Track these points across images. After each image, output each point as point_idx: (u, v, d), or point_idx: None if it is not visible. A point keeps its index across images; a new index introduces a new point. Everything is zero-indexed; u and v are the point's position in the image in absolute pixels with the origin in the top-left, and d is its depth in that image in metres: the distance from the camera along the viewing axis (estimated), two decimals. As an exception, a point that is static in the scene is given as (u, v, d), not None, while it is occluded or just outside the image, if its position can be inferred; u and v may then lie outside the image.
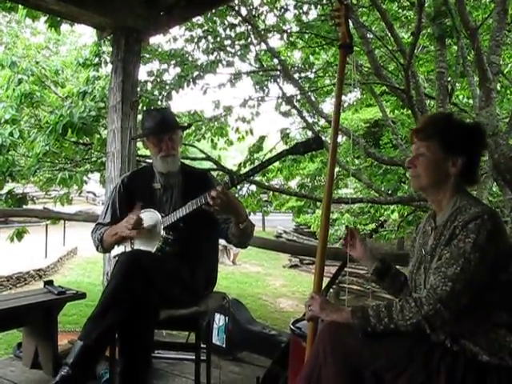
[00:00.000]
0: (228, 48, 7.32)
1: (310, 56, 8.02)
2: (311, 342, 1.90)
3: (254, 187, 7.78)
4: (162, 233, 2.57)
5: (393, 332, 1.67)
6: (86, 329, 2.23)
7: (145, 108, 5.96)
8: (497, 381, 1.58)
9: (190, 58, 7.32)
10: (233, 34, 7.13)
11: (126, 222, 2.59)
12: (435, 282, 1.64)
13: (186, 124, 3.93)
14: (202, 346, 2.77)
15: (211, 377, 3.03)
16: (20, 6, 4.60)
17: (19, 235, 6.38)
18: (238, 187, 7.71)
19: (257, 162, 6.56)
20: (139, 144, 4.21)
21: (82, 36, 18.04)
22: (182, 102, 8.63)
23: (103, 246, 2.78)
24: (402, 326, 1.64)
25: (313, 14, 7.44)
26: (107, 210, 2.87)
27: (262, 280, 13.12)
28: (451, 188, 1.79)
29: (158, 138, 2.71)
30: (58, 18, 4.64)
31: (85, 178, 6.54)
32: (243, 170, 6.88)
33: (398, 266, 2.15)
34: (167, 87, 7.07)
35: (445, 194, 1.80)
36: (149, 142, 2.78)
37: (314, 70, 8.28)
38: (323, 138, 6.25)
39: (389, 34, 5.87)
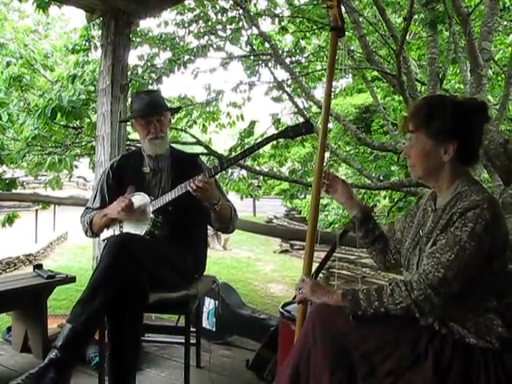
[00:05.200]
0: (219, 32, 7.27)
1: (301, 41, 7.98)
2: (301, 325, 1.90)
3: (245, 172, 7.77)
4: (151, 216, 2.58)
5: (383, 315, 1.67)
6: (74, 312, 2.23)
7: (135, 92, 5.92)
8: (483, 363, 1.59)
9: (182, 43, 7.26)
10: (224, 19, 7.08)
11: (117, 204, 2.59)
12: (428, 267, 1.63)
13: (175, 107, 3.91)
14: (192, 329, 2.79)
15: (201, 360, 3.07)
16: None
17: (10, 220, 6.35)
18: (229, 172, 7.72)
19: (247, 147, 6.53)
20: (129, 128, 4.19)
21: (70, 21, 17.91)
22: (172, 87, 8.55)
23: (92, 230, 2.78)
24: (392, 310, 1.65)
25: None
26: (96, 194, 2.88)
27: (253, 265, 13.12)
28: (448, 174, 1.76)
29: (146, 120, 2.71)
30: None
31: (75, 162, 6.50)
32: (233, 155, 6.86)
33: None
34: (158, 71, 7.02)
35: (443, 180, 1.78)
36: (137, 124, 2.77)
37: (305, 55, 8.23)
38: (314, 124, 6.22)
39: (381, 19, 5.83)
